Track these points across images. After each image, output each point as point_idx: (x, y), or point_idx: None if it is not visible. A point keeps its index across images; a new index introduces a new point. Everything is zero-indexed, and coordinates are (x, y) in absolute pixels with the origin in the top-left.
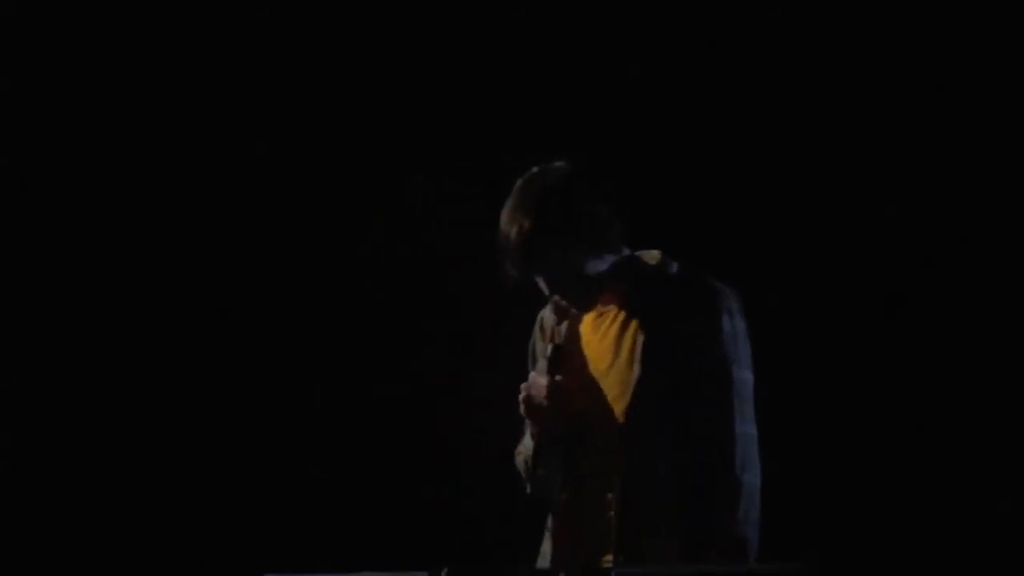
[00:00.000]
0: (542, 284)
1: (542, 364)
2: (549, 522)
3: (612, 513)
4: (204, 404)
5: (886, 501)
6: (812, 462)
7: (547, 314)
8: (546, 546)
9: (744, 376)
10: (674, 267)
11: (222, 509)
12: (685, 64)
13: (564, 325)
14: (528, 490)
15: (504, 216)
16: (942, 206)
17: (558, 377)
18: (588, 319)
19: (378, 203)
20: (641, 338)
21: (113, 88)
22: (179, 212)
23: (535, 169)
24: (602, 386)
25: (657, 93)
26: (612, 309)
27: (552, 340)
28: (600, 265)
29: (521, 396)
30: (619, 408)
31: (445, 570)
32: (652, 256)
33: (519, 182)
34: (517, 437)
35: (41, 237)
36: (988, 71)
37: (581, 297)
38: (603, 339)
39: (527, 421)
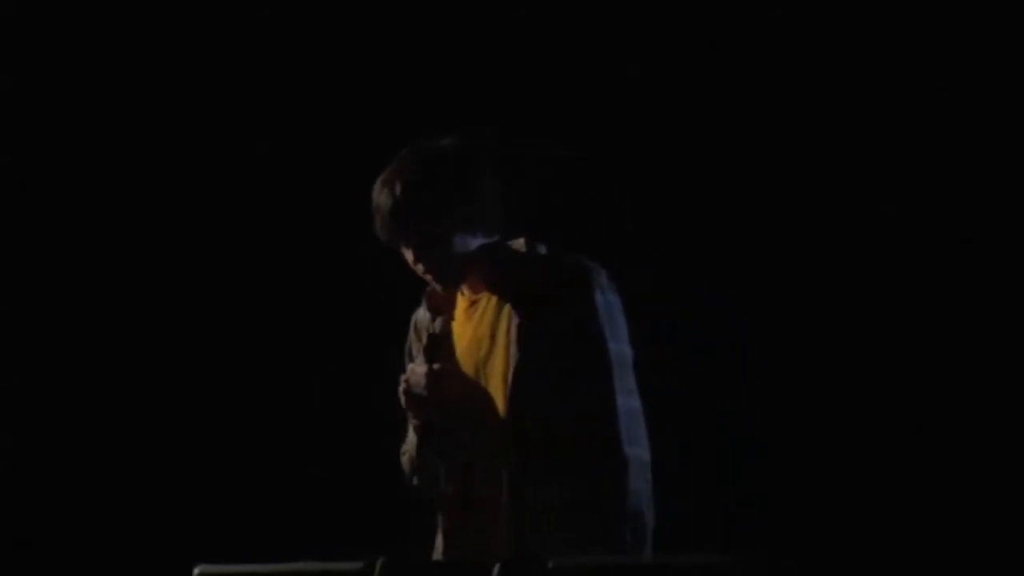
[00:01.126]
0: (408, 254)
1: (419, 356)
2: (440, 517)
3: (504, 504)
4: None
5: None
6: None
7: (420, 314)
8: (438, 541)
9: (622, 349)
10: (541, 249)
11: (156, 501)
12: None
13: (439, 321)
14: (412, 485)
15: (381, 179)
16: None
17: (436, 365)
18: (460, 311)
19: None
20: (515, 321)
21: (113, 88)
22: (172, 210)
23: (420, 140)
24: (482, 374)
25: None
26: (483, 297)
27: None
28: (470, 243)
29: (401, 388)
30: (501, 395)
31: (380, 560)
32: (518, 243)
33: (403, 151)
34: (402, 437)
35: (39, 237)
36: (982, 71)
37: (446, 273)
38: (477, 327)
39: (408, 415)
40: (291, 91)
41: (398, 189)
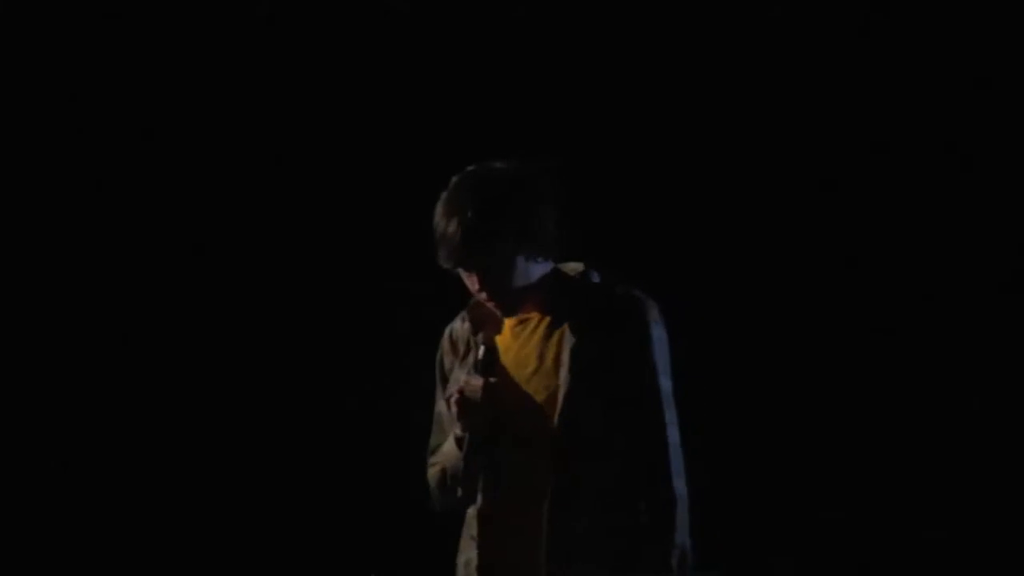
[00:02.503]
0: (472, 280)
1: (470, 363)
2: (471, 530)
3: (544, 523)
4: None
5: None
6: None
7: (457, 326)
8: (470, 554)
9: (668, 385)
10: (596, 277)
11: (153, 510)
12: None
13: (483, 335)
14: (436, 507)
15: (444, 206)
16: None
17: (493, 379)
18: (507, 327)
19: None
20: (568, 344)
21: (113, 88)
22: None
23: (475, 165)
24: (526, 391)
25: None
26: (534, 316)
27: (474, 346)
28: (534, 270)
29: (454, 397)
30: (545, 413)
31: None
32: (573, 268)
33: (458, 176)
34: (429, 450)
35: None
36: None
37: (508, 297)
38: (524, 346)
39: (436, 429)
40: (291, 91)
41: (466, 217)
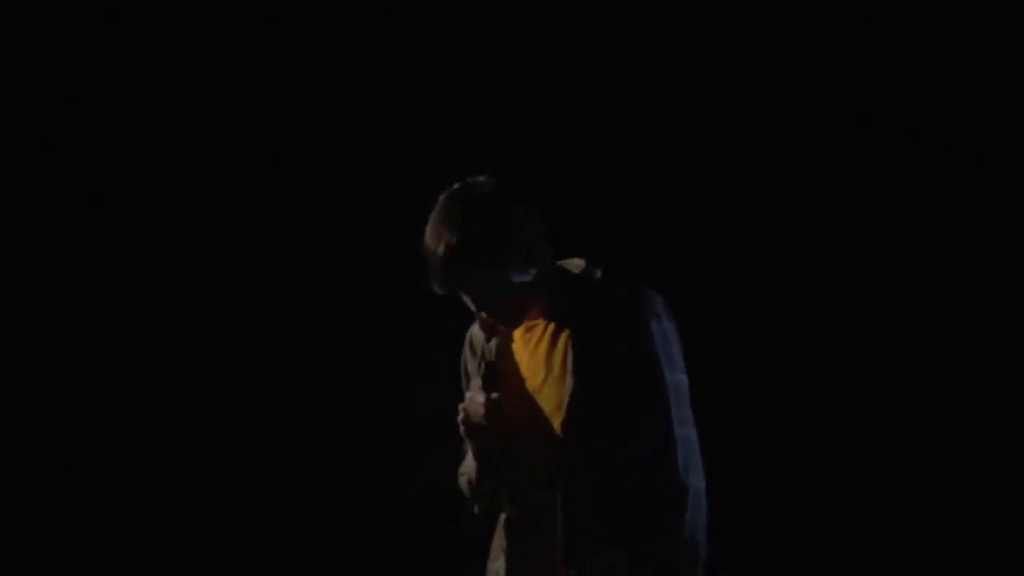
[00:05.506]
0: (468, 301)
1: (476, 382)
2: (500, 540)
3: (560, 531)
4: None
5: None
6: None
7: (476, 330)
8: (499, 564)
9: (678, 378)
10: (598, 273)
11: (155, 502)
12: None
13: (493, 342)
14: (475, 511)
15: (429, 231)
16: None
17: (494, 395)
18: (517, 335)
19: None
20: (571, 349)
21: (113, 88)
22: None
23: (459, 184)
24: (538, 401)
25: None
26: (540, 323)
27: (483, 358)
28: (527, 280)
29: (459, 417)
30: (558, 421)
31: None
32: (575, 264)
33: (443, 196)
34: (459, 458)
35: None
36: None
37: (507, 314)
38: (533, 354)
39: (466, 441)
40: (291, 90)
41: (449, 241)
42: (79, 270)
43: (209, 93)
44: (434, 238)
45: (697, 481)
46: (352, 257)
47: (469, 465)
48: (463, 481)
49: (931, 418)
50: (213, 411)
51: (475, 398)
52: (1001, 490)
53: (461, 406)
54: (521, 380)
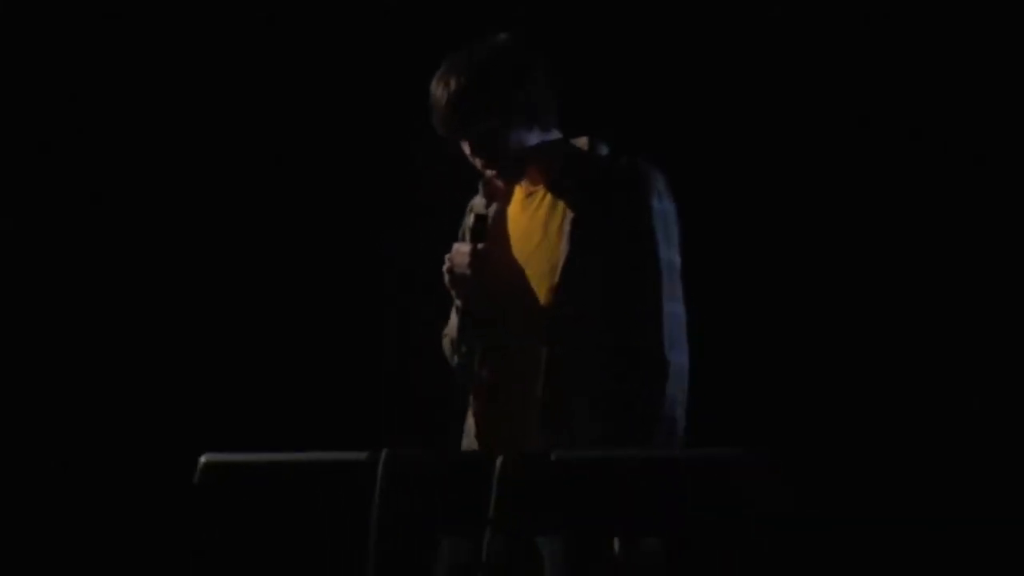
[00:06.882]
0: (466, 147)
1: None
2: (471, 400)
3: (539, 394)
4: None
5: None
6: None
7: (477, 200)
8: (469, 422)
9: (672, 257)
10: (603, 149)
11: (164, 388)
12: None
13: (493, 207)
14: (459, 380)
15: (437, 75)
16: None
17: (480, 245)
18: (517, 200)
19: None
20: (569, 216)
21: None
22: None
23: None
24: (529, 264)
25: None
26: (540, 189)
27: (472, 211)
28: (529, 139)
29: (444, 267)
30: (545, 286)
31: (384, 451)
32: (581, 141)
33: (458, 49)
34: (443, 322)
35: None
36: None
37: (505, 166)
38: (531, 219)
39: (453, 301)
40: (292, 91)
41: (454, 84)
42: (79, 270)
43: (209, 93)
44: (441, 82)
45: (680, 357)
46: (352, 257)
47: (452, 325)
48: (446, 343)
49: (931, 418)
50: (213, 411)
51: (461, 248)
52: (1001, 490)
53: (447, 256)
54: (512, 242)
